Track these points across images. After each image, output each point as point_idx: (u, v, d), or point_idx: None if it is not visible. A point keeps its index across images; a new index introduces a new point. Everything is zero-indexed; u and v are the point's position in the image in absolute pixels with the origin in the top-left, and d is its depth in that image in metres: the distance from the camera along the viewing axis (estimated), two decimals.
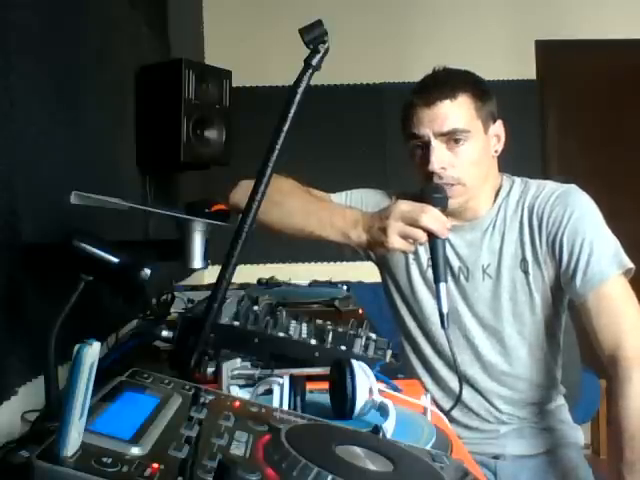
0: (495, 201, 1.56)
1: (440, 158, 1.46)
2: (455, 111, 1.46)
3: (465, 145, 1.47)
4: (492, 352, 1.56)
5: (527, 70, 4.01)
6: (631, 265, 1.43)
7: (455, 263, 1.57)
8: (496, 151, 1.55)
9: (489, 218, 1.55)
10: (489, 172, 1.54)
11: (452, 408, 1.39)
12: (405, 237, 1.32)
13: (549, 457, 1.57)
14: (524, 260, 1.51)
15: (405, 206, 1.33)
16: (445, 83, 1.50)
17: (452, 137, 1.46)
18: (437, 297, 1.33)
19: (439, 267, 1.34)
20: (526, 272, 1.51)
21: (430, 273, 1.41)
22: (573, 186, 1.51)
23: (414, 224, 1.31)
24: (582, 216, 1.46)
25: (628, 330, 1.38)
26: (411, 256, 1.61)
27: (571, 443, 1.60)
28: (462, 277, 1.57)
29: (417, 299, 1.62)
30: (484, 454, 1.57)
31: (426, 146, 1.47)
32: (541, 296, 1.52)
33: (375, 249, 1.51)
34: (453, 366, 1.52)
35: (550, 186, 1.53)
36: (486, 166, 1.53)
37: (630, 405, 1.32)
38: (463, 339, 1.57)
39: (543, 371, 1.59)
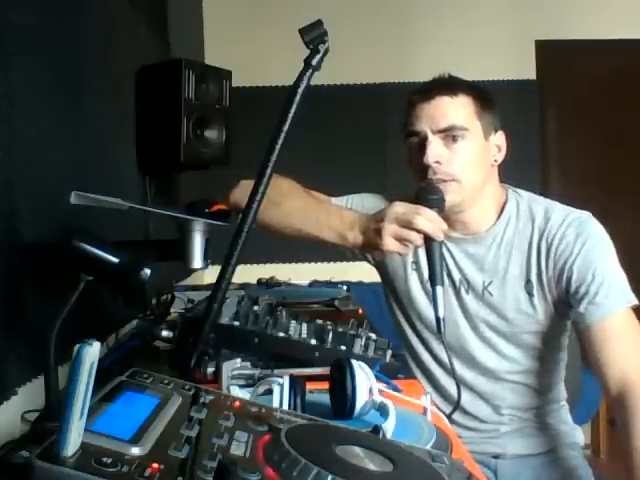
0: (500, 216, 1.52)
1: (436, 152, 1.43)
2: (454, 107, 1.44)
3: (462, 143, 1.44)
4: (492, 362, 1.55)
5: (527, 70, 4.00)
6: (637, 302, 1.42)
7: (456, 276, 1.55)
8: (496, 160, 1.52)
9: (494, 233, 1.51)
10: (488, 180, 1.50)
11: (451, 413, 1.37)
12: (400, 239, 1.30)
13: (549, 457, 1.57)
14: (529, 282, 1.49)
15: (400, 208, 1.31)
16: (448, 83, 1.50)
17: (450, 134, 1.43)
18: (433, 301, 1.32)
19: (435, 270, 1.33)
20: (530, 294, 1.49)
21: None
22: (587, 214, 1.48)
23: (409, 226, 1.29)
24: (595, 246, 1.43)
25: (634, 364, 1.37)
26: (411, 265, 1.59)
27: (571, 443, 1.60)
28: (463, 290, 1.55)
29: (415, 308, 1.60)
30: (484, 453, 1.56)
31: (423, 143, 1.45)
32: (545, 316, 1.50)
33: (371, 251, 1.50)
34: (451, 373, 1.52)
35: (562, 210, 1.49)
36: (484, 171, 1.49)
37: None
38: (462, 350, 1.55)
39: (545, 379, 1.58)
